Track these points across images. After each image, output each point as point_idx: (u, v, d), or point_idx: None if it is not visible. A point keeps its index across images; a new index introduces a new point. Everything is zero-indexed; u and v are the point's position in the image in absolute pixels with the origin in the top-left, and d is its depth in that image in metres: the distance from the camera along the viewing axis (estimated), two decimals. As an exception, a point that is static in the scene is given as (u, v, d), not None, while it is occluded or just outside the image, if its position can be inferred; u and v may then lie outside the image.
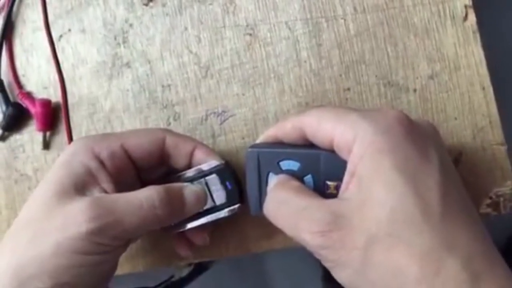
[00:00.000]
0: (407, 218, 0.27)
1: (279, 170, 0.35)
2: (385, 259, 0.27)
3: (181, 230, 0.38)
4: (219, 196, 0.38)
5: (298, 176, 0.34)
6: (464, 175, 0.39)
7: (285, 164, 0.35)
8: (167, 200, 0.34)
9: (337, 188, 0.33)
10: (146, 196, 0.34)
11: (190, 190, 0.36)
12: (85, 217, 0.32)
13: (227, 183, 0.38)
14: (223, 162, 0.38)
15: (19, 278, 0.32)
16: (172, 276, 0.45)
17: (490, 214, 0.39)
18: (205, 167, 0.38)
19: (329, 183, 0.34)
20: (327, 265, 0.30)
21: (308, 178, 0.35)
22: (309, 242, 0.29)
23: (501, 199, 0.39)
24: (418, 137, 0.29)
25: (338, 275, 0.29)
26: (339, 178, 0.32)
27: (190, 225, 0.38)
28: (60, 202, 0.33)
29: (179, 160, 0.38)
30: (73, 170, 0.34)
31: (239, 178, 0.39)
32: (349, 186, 0.30)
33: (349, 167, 0.30)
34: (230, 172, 0.38)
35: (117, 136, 0.37)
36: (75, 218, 0.32)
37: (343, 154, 0.31)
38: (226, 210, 0.38)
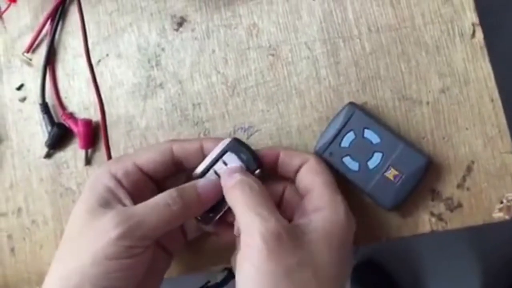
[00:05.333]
0: None
1: (361, 135, 0.40)
2: None
3: (218, 215, 0.40)
4: None
5: (372, 148, 0.40)
6: (476, 181, 0.41)
7: (369, 133, 0.40)
8: (179, 196, 0.38)
9: (395, 177, 0.39)
10: (160, 197, 0.38)
11: (202, 181, 0.39)
12: (111, 225, 0.36)
13: (241, 155, 0.39)
14: (230, 139, 0.40)
15: None
16: (208, 282, 0.46)
17: (505, 220, 0.41)
18: (216, 150, 0.40)
19: (392, 169, 0.39)
20: None
21: (379, 155, 0.40)
22: None
23: (512, 203, 0.41)
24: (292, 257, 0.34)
25: None
26: (402, 171, 0.39)
27: (224, 208, 0.40)
28: (89, 218, 0.37)
29: (191, 160, 0.41)
30: (97, 191, 0.39)
31: (250, 147, 0.40)
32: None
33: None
34: (241, 144, 0.40)
35: (129, 155, 0.41)
36: (104, 229, 0.36)
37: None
38: None
